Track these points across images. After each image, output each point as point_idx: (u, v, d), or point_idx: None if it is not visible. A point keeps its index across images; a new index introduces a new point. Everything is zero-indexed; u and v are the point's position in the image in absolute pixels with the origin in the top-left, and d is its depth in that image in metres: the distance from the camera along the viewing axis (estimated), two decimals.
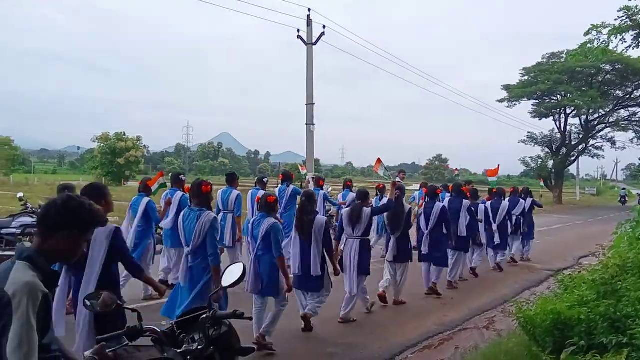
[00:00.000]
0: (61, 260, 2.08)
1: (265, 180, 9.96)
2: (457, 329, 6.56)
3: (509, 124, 65.88)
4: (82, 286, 3.61)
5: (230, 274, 2.68)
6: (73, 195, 2.18)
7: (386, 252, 7.55)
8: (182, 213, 4.93)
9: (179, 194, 7.49)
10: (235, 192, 8.44)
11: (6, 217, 10.47)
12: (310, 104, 18.44)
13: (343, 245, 6.64)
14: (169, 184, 8.19)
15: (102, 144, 47.69)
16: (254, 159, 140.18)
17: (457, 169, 26.22)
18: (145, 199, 7.09)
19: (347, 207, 7.53)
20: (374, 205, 7.82)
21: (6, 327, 1.81)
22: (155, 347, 2.38)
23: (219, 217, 6.78)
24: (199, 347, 2.41)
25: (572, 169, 48.83)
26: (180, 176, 8.12)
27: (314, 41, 18.44)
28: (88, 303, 2.59)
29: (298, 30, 18.52)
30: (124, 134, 48.27)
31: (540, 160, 39.11)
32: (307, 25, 18.42)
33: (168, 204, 7.30)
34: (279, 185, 10.25)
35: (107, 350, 2.11)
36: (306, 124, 18.52)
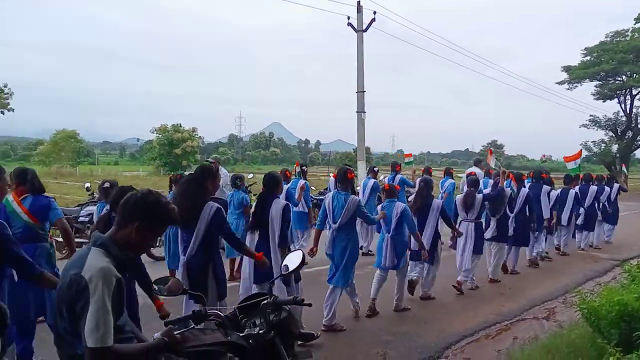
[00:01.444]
0: (129, 251, 2.19)
1: (375, 169, 11.07)
2: (515, 319, 6.40)
3: (569, 107, 62.84)
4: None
5: (291, 261, 2.75)
6: (153, 190, 2.30)
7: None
8: (330, 195, 5.86)
9: (302, 181, 9.48)
10: (332, 179, 9.70)
11: (75, 206, 11.12)
12: (360, 91, 18.33)
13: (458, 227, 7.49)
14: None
15: (160, 136, 49.48)
16: (305, 148, 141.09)
17: (544, 155, 24.41)
18: (302, 181, 9.32)
19: (443, 192, 9.99)
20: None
21: (84, 309, 1.95)
22: (219, 330, 2.48)
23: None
24: (260, 332, 2.50)
25: (638, 153, 45.97)
26: (303, 167, 10.43)
27: (364, 28, 18.27)
28: (156, 287, 2.74)
29: (348, 18, 18.40)
30: (180, 126, 49.82)
31: (603, 145, 37.04)
32: (357, 12, 18.26)
33: (302, 189, 8.95)
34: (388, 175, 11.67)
35: (175, 333, 2.23)
36: (357, 112, 18.44)
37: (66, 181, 29.98)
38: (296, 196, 8.67)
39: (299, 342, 4.81)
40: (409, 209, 6.37)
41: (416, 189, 7.59)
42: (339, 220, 5.54)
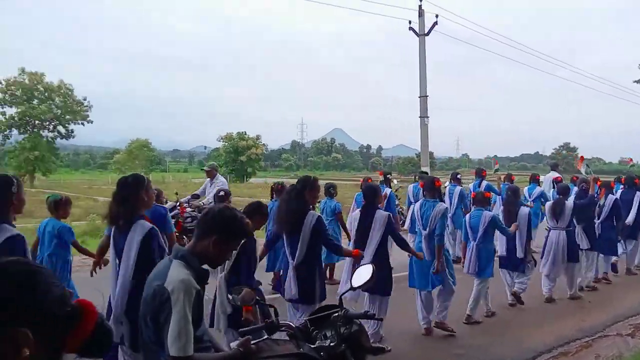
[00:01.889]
0: (207, 264, 2.26)
1: (458, 176, 10.62)
2: (597, 336, 5.99)
3: None
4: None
5: (360, 276, 2.73)
6: (230, 205, 2.37)
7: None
8: (418, 203, 5.94)
9: (388, 189, 9.16)
10: (388, 190, 9.28)
11: None
12: (423, 96, 18.01)
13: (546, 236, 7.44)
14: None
15: (226, 143, 51.21)
16: (366, 154, 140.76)
17: (631, 159, 22.53)
18: (387, 189, 9.02)
19: (532, 200, 9.69)
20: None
21: (167, 319, 2.03)
22: (291, 341, 2.50)
23: (409, 209, 8.78)
24: (332, 344, 2.49)
25: None
26: (388, 175, 10.18)
27: (426, 32, 17.95)
28: (230, 297, 2.80)
29: (409, 22, 18.14)
30: (245, 133, 51.33)
31: None
32: (419, 16, 17.97)
33: (384, 197, 8.59)
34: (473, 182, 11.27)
35: (250, 343, 2.26)
36: (420, 117, 18.13)
37: None
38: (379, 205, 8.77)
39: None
40: (497, 217, 6.48)
41: (503, 196, 7.66)
42: (429, 227, 5.62)
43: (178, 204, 8.89)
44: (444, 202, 6.16)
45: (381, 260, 4.99)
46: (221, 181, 8.72)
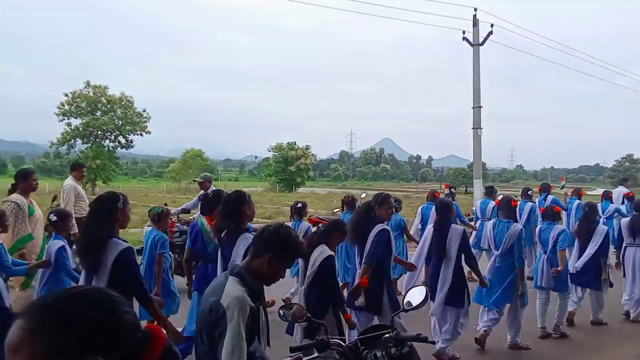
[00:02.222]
0: (261, 281, 2.31)
1: (529, 192, 10.00)
2: None
3: None
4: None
5: (413, 297, 2.70)
6: (285, 225, 2.43)
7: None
8: (491, 222, 5.95)
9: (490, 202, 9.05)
10: (492, 203, 8.96)
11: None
12: (477, 107, 17.66)
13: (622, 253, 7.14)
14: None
15: (276, 153, 52.03)
16: (416, 164, 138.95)
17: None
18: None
19: (605, 217, 9.24)
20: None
21: (222, 335, 2.09)
22: None
23: (477, 224, 8.85)
24: None
25: None
26: (452, 189, 10.07)
27: (480, 42, 17.62)
28: (281, 312, 2.85)
29: (463, 32, 17.88)
30: (295, 144, 51.98)
31: None
32: (473, 26, 17.68)
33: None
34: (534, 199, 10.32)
35: None
36: (473, 129, 17.77)
37: (193, 196, 32.56)
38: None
39: None
40: (568, 231, 6.42)
41: (570, 212, 7.41)
42: (501, 248, 5.59)
43: None
44: (517, 221, 6.09)
45: (458, 276, 5.09)
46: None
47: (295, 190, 48.07)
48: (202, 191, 7.64)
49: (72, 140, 41.84)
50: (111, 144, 43.20)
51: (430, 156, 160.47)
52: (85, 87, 41.38)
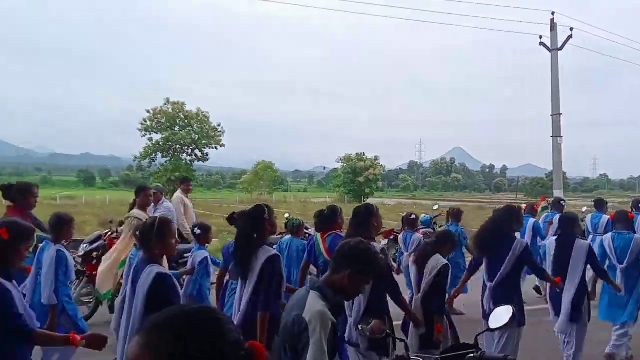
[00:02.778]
0: (342, 296, 2.34)
1: None
2: None
3: None
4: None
5: (498, 317, 2.62)
6: (365, 240, 2.46)
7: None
8: (609, 235, 5.69)
9: (557, 215, 8.30)
10: (605, 217, 8.56)
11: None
12: (556, 114, 16.81)
13: None
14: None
15: (344, 164, 52.24)
16: (489, 174, 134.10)
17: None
18: (532, 220, 8.25)
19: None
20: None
21: (305, 349, 2.14)
22: None
23: (588, 239, 7.97)
24: None
25: None
26: (561, 202, 9.45)
27: (559, 46, 16.80)
28: (360, 327, 2.87)
29: (540, 37, 17.13)
30: (364, 154, 51.94)
31: None
32: (551, 30, 16.90)
33: (550, 223, 8.21)
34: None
35: None
36: (552, 137, 16.91)
37: None
38: (545, 231, 8.41)
39: None
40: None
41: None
42: (625, 262, 5.43)
43: (108, 233, 6.99)
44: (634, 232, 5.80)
45: (582, 292, 4.91)
46: (165, 207, 6.96)
47: (363, 201, 47.93)
48: (158, 205, 6.85)
49: (153, 154, 44.38)
50: (188, 158, 45.37)
51: (504, 165, 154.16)
52: (165, 104, 43.89)
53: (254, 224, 3.55)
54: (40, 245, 4.26)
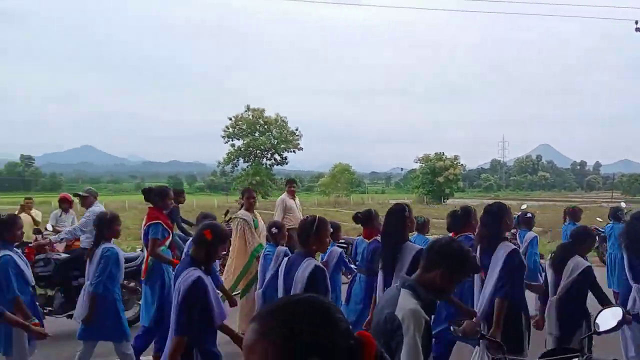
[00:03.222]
0: (434, 295, 2.33)
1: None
2: None
3: None
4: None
5: (606, 319, 2.47)
6: (456, 239, 2.44)
7: None
8: None
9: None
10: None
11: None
12: None
13: None
14: None
15: (423, 165, 51.23)
16: (580, 171, 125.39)
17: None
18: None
19: None
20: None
21: (398, 348, 2.15)
22: None
23: None
24: None
25: None
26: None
27: None
28: (452, 328, 2.83)
29: (636, 22, 15.83)
30: (443, 154, 50.64)
31: None
32: None
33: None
34: None
35: None
36: None
37: (342, 209, 33.56)
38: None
39: None
40: None
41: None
42: None
43: (39, 240, 6.51)
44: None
45: None
46: (91, 212, 6.13)
47: (444, 202, 46.70)
48: (88, 210, 6.30)
49: (236, 160, 46.27)
50: (268, 162, 46.78)
51: (597, 162, 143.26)
52: (246, 111, 45.60)
53: (397, 222, 3.85)
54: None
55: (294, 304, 1.08)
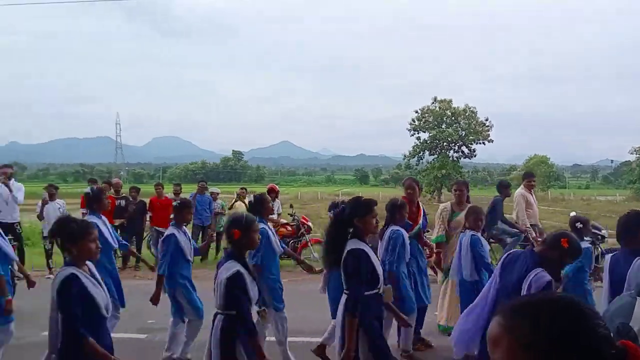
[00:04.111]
0: None
1: None
2: None
3: None
4: None
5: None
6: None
7: None
8: None
9: None
10: None
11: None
12: None
13: None
14: None
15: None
16: None
17: None
18: None
19: None
20: None
21: None
22: None
23: None
24: None
25: None
26: None
27: None
28: None
29: None
30: None
31: None
32: None
33: None
34: None
35: None
36: None
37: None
38: None
39: None
40: None
41: None
42: None
43: None
44: None
45: None
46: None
47: None
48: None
49: (421, 152, 45.98)
50: (455, 154, 45.41)
51: None
52: (433, 103, 44.93)
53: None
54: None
55: (540, 301, 1.06)
